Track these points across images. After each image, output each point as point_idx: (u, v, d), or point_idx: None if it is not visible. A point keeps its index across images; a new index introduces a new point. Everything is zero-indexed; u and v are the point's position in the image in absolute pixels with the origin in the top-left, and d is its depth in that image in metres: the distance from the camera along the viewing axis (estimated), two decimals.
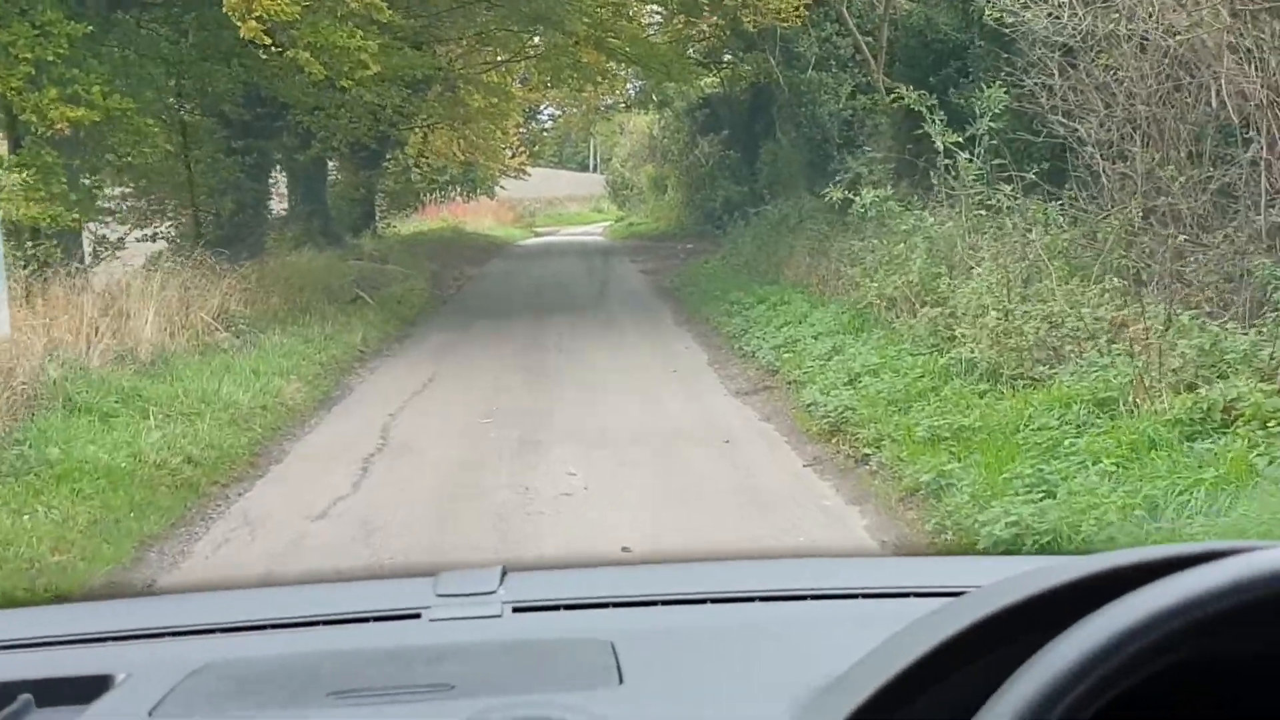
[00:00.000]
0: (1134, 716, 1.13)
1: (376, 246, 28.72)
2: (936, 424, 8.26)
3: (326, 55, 16.29)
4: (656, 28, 33.17)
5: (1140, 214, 11.96)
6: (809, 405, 10.47)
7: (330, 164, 33.26)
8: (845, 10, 21.39)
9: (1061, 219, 11.23)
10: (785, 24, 23.32)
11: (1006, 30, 14.15)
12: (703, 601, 2.00)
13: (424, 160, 37.59)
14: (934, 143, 16.85)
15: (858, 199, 12.89)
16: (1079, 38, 12.21)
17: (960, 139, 12.16)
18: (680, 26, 32.23)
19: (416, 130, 36.38)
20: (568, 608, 1.97)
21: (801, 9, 22.43)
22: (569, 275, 26.07)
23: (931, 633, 1.21)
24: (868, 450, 8.71)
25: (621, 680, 1.59)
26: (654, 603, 2.01)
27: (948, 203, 12.62)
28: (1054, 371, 8.65)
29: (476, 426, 10.98)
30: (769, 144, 31.10)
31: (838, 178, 21.62)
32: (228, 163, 23.08)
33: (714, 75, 36.51)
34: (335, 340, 14.72)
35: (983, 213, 11.97)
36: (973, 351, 9.50)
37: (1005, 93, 12.27)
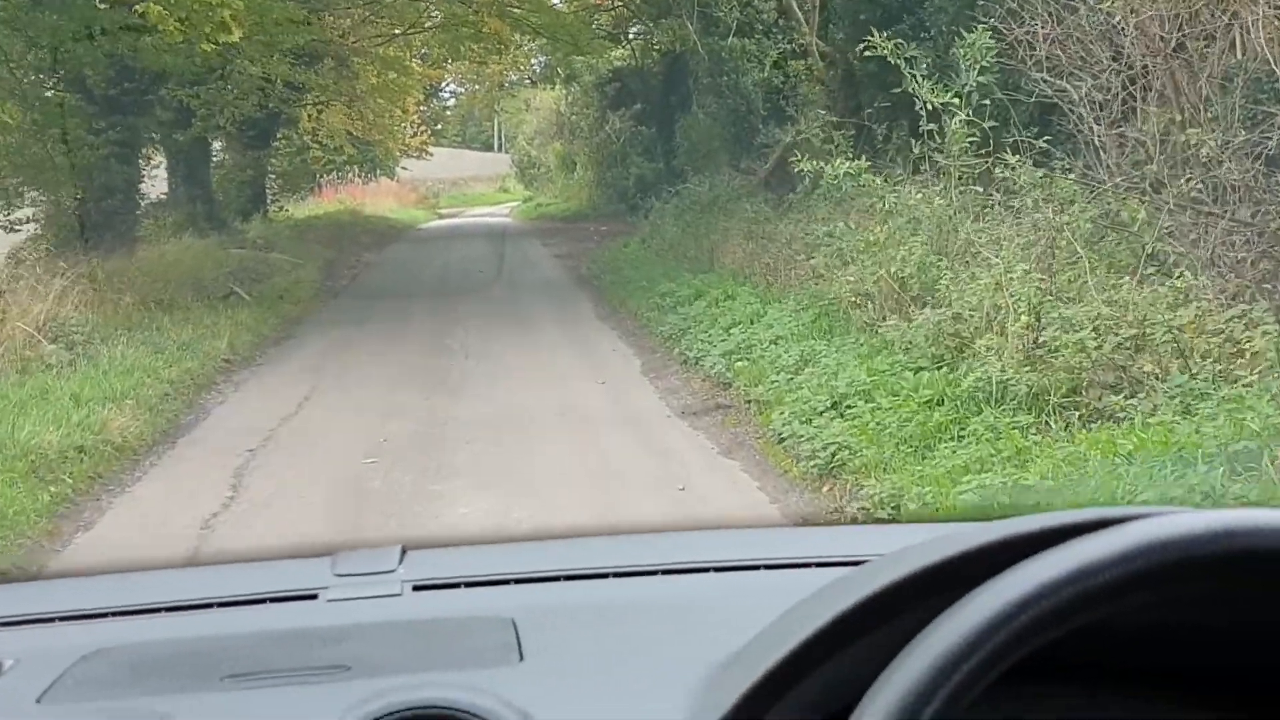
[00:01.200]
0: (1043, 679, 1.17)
1: (264, 232, 25.83)
2: (986, 482, 5.82)
3: (183, 12, 13.52)
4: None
5: (1156, 186, 9.75)
6: (783, 437, 8.01)
7: (216, 144, 30.45)
8: None
9: (1078, 195, 8.85)
10: None
11: None
12: (604, 576, 1.93)
13: (318, 139, 34.55)
14: (892, 106, 14.51)
15: (828, 170, 10.33)
16: None
17: (945, 99, 9.72)
18: None
19: (308, 107, 33.47)
20: (468, 585, 1.91)
21: None
22: (476, 261, 23.32)
23: (828, 605, 1.20)
24: (881, 513, 6.26)
25: (522, 658, 1.56)
26: (555, 578, 1.92)
27: (931, 176, 10.20)
28: (1129, 401, 6.27)
29: (358, 469, 8.38)
30: (686, 118, 28.67)
31: (800, 152, 19.39)
32: (91, 142, 20.20)
33: (624, 47, 33.97)
34: (194, 349, 11.93)
35: (978, 189, 9.59)
36: (1003, 370, 7.08)
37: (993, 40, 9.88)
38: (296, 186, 36.52)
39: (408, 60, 33.47)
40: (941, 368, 7.89)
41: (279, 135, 33.08)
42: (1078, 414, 6.50)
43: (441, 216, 43.28)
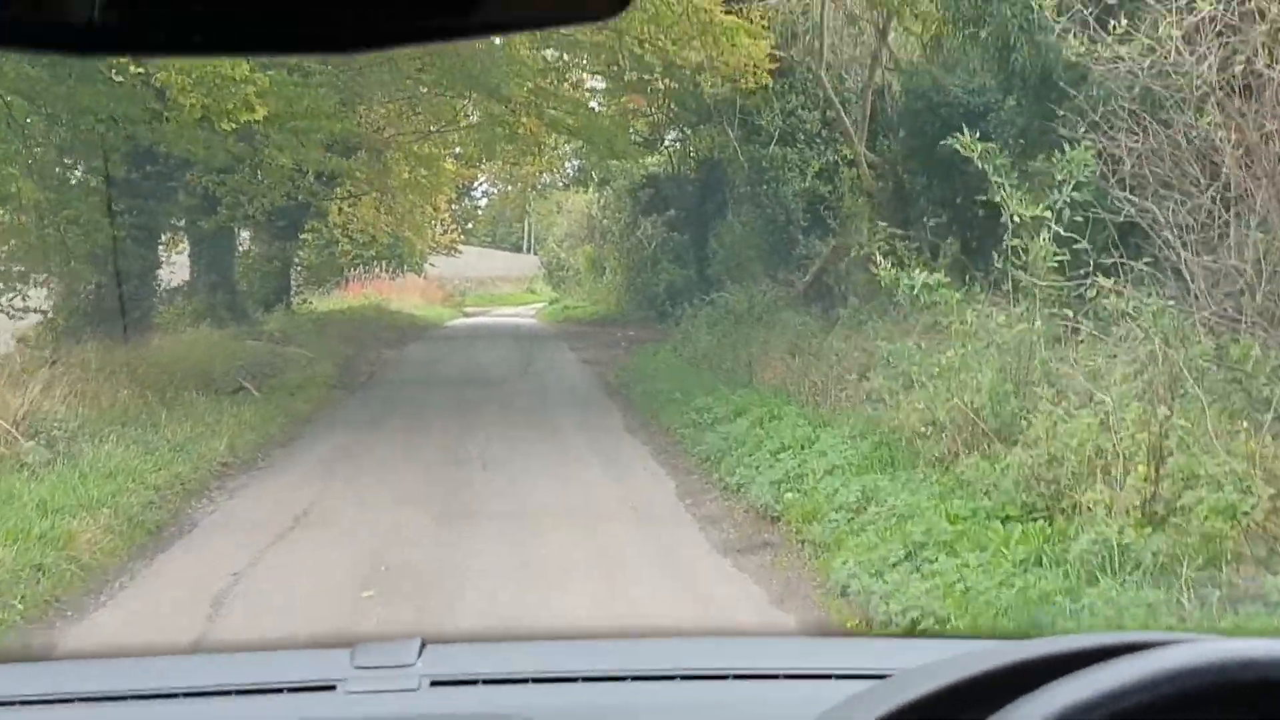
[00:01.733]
0: None
1: (285, 324, 24.90)
2: None
3: (204, 87, 12.61)
4: (600, 103, 29.94)
5: (1272, 320, 8.64)
6: (846, 589, 6.80)
7: (245, 233, 29.80)
8: (822, 75, 18.05)
9: (1191, 328, 7.71)
10: (748, 85, 20.13)
11: (1064, 83, 10.81)
12: (623, 679, 1.90)
13: (348, 233, 33.81)
14: (948, 221, 13.57)
15: (904, 281, 9.13)
16: (1194, 84, 8.85)
17: (1035, 211, 8.62)
18: (625, 100, 29.04)
19: (339, 200, 32.81)
20: (486, 682, 1.88)
21: (766, 69, 19.33)
22: (499, 363, 22.23)
23: (858, 716, 1.17)
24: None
25: None
26: (574, 679, 1.89)
27: (1008, 295, 9.07)
28: None
29: (352, 603, 7.20)
30: (722, 225, 27.84)
31: (849, 264, 18.55)
32: (108, 225, 19.40)
33: (659, 154, 33.29)
34: (189, 450, 10.79)
35: (1067, 312, 8.47)
36: (1120, 531, 5.88)
37: (1094, 155, 8.82)
38: (323, 279, 35.78)
39: (442, 158, 32.87)
40: (1036, 519, 6.69)
41: (307, 227, 32.38)
42: (1219, 593, 5.29)
43: (467, 315, 42.41)
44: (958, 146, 9.02)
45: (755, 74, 19.71)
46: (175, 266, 26.03)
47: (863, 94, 17.99)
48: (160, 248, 21.88)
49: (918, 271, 9.03)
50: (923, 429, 8.62)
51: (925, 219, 15.72)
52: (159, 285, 21.77)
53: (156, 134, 16.24)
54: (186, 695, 1.82)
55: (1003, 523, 6.76)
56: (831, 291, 19.64)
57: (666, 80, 24.60)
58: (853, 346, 11.88)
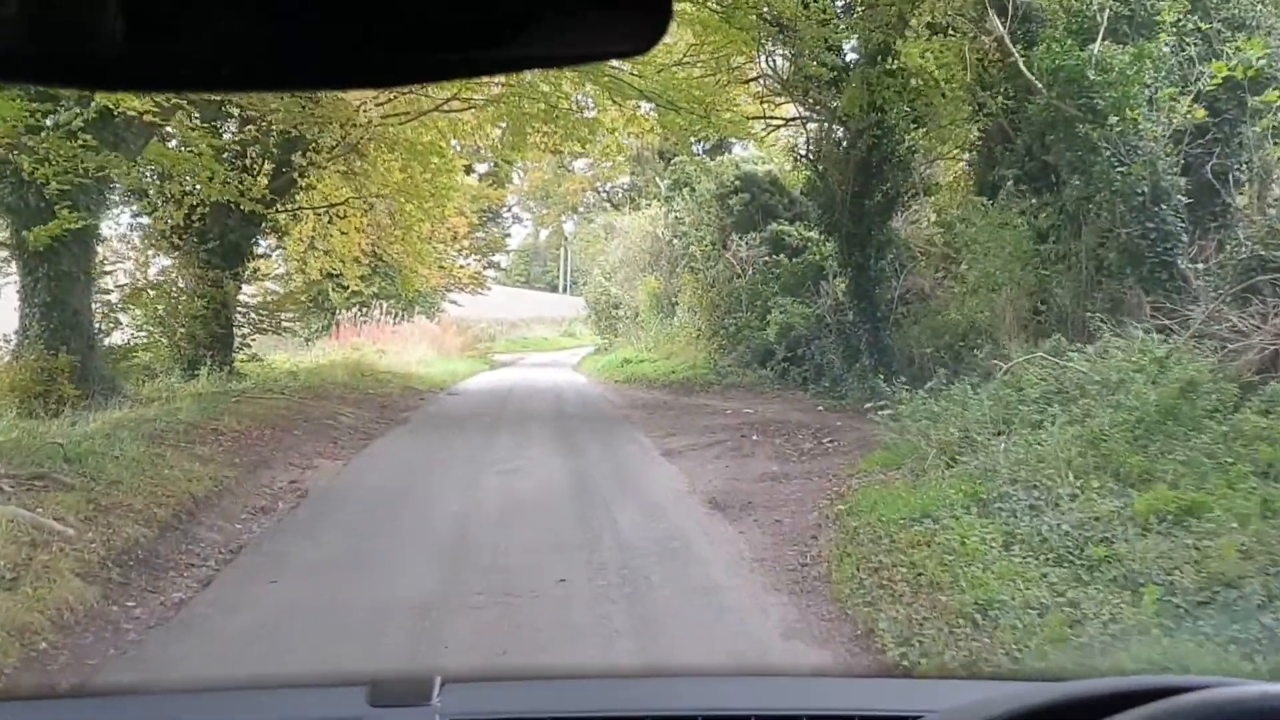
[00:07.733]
0: None
1: (163, 407, 12.61)
2: None
3: None
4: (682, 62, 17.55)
5: None
6: None
7: (165, 260, 17.94)
8: None
9: None
10: None
11: None
12: (646, 719, 1.68)
13: (314, 257, 21.37)
14: None
15: None
16: None
17: None
18: (722, 44, 16.72)
19: (310, 213, 20.58)
20: None
21: None
22: (526, 519, 9.14)
23: None
24: None
25: None
26: (596, 719, 1.68)
27: None
28: None
29: None
30: (886, 233, 15.43)
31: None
32: None
33: (764, 137, 20.85)
34: None
35: None
36: None
37: None
38: (289, 323, 23.35)
39: (450, 149, 20.46)
40: None
41: (258, 252, 20.00)
42: None
43: (494, 366, 29.89)
44: None
45: None
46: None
47: None
48: None
49: None
50: None
51: None
52: None
53: None
54: None
55: None
56: None
57: None
58: None
